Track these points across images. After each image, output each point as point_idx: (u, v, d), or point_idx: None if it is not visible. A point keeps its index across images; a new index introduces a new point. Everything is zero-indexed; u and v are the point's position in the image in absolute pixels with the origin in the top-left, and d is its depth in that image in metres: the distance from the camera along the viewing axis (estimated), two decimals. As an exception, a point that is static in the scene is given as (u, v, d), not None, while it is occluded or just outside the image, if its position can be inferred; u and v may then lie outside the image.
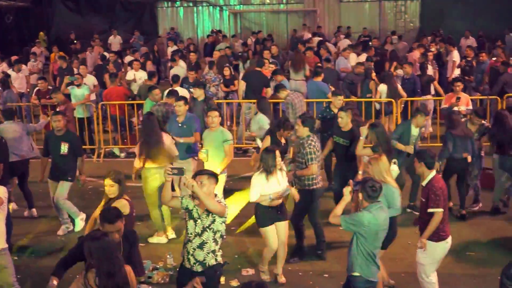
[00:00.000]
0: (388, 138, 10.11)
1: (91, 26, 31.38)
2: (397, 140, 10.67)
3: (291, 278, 8.80)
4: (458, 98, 13.09)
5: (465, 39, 23.96)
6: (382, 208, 6.74)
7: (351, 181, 7.05)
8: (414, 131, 10.80)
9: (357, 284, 6.70)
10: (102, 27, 31.71)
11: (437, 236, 7.50)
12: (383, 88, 14.85)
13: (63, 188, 10.38)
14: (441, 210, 7.39)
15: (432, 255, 7.59)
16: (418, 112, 10.91)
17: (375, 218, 6.56)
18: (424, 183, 7.60)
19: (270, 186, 8.20)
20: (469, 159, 10.65)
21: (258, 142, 10.82)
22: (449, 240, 7.66)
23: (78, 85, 15.29)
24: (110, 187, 7.47)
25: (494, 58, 18.16)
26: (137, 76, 17.42)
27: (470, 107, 13.27)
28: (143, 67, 18.74)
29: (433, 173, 7.58)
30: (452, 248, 9.49)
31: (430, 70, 16.88)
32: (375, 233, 6.61)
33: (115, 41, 27.74)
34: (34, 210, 11.48)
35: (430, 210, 7.42)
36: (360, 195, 6.74)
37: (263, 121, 11.34)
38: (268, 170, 8.18)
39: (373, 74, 15.64)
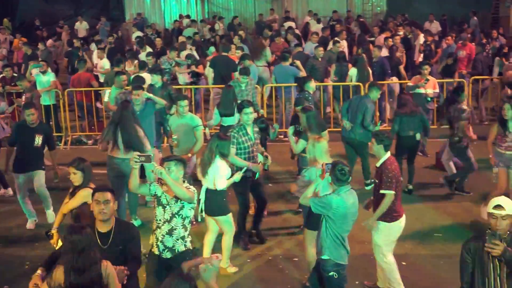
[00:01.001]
0: (321, 121, 10.21)
1: (56, 11, 30.95)
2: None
3: (260, 262, 8.84)
4: (427, 80, 13.20)
5: (430, 23, 24.13)
6: (351, 191, 6.77)
7: (323, 163, 7.09)
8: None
9: (327, 267, 6.74)
10: (68, 13, 31.29)
11: (390, 217, 7.59)
12: (353, 72, 14.91)
13: (40, 177, 10.27)
14: (392, 192, 7.47)
15: (387, 236, 7.67)
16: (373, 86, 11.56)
17: (343, 201, 6.59)
18: (378, 164, 7.67)
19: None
20: (418, 136, 11.13)
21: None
22: (402, 220, 7.76)
23: (44, 72, 15.09)
24: (73, 174, 7.34)
25: (460, 41, 18.33)
26: (100, 65, 17.30)
27: (437, 90, 13.42)
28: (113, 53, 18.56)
29: (387, 154, 7.64)
30: (419, 230, 9.76)
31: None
32: (343, 216, 6.64)
33: (81, 27, 27.40)
34: (10, 189, 11.56)
35: (382, 191, 7.49)
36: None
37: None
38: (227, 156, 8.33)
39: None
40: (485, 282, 5.31)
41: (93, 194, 6.11)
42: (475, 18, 25.73)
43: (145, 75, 13.81)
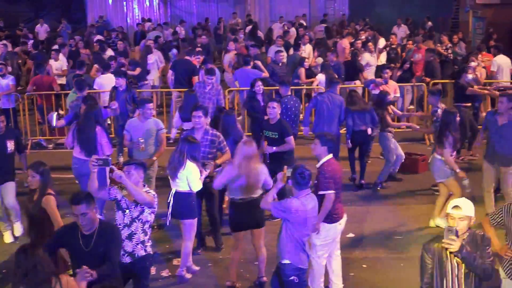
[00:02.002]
0: (237, 127, 10.22)
1: (17, 13, 30.54)
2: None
3: (221, 266, 8.81)
4: (386, 82, 13.34)
5: (398, 27, 24.36)
6: (311, 195, 6.79)
7: (286, 167, 7.09)
8: None
9: (287, 271, 6.74)
10: (29, 15, 30.91)
11: (330, 218, 7.58)
12: (321, 77, 14.99)
13: (13, 188, 9.83)
14: (331, 191, 7.48)
15: (324, 237, 7.63)
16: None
17: (303, 205, 6.60)
18: (318, 165, 7.70)
19: None
20: (369, 131, 11.54)
21: None
22: (342, 221, 7.80)
23: (3, 75, 14.85)
24: (32, 178, 7.25)
25: (414, 45, 18.57)
26: (56, 66, 17.13)
27: (398, 94, 13.54)
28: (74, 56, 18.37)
29: (329, 156, 7.67)
30: (379, 232, 9.81)
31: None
32: (303, 220, 6.63)
33: (42, 29, 27.09)
34: None
35: (320, 192, 7.48)
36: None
37: None
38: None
39: (306, 64, 15.78)
40: (443, 282, 5.41)
41: (70, 205, 5.99)
42: (430, 23, 26.07)
43: (110, 76, 13.69)
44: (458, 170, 9.44)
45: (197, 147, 8.29)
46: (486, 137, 10.19)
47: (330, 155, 7.67)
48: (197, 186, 8.20)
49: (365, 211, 10.74)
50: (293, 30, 23.46)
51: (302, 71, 15.45)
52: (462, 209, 5.35)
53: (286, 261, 6.73)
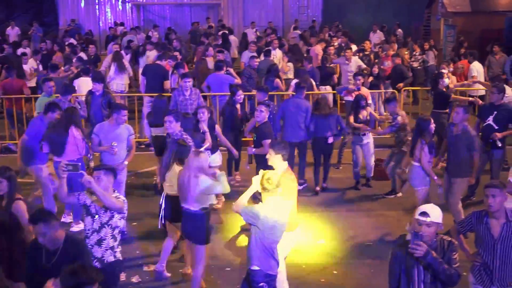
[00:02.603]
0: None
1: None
2: None
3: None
4: (358, 90, 13.41)
5: (373, 34, 24.51)
6: (280, 201, 6.77)
7: (261, 170, 7.08)
8: None
9: (256, 277, 6.71)
10: (-1, 17, 30.64)
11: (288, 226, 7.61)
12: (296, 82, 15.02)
13: None
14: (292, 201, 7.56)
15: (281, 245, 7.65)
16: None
17: (271, 212, 6.59)
18: None
19: None
20: (330, 139, 11.62)
21: None
22: (297, 230, 7.87)
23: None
24: None
25: (384, 53, 18.71)
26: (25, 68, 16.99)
27: (370, 101, 13.60)
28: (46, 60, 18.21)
29: (285, 164, 7.70)
30: (349, 238, 9.85)
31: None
32: (272, 227, 6.60)
33: (12, 32, 26.83)
34: None
35: None
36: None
37: None
38: None
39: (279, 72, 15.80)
40: (410, 287, 5.48)
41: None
42: (400, 30, 26.31)
43: (87, 80, 13.58)
44: (435, 178, 9.47)
45: (186, 151, 8.32)
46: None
47: (286, 163, 7.69)
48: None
49: (335, 217, 10.76)
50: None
51: (278, 82, 15.43)
52: (430, 215, 5.40)
53: (255, 268, 6.70)
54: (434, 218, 5.41)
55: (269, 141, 9.98)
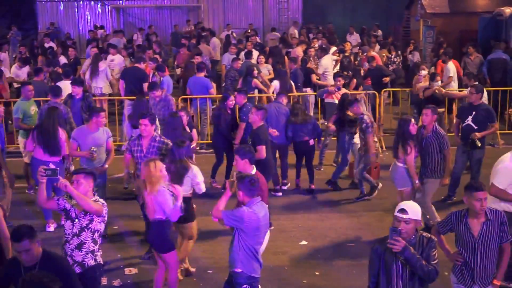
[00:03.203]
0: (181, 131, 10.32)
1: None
2: None
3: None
4: (338, 89, 13.44)
5: (350, 35, 24.59)
6: (261, 203, 6.76)
7: (234, 173, 7.07)
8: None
9: (239, 280, 6.69)
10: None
11: None
12: (276, 83, 15.03)
13: None
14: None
15: None
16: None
17: (255, 214, 6.56)
18: None
19: None
20: (311, 142, 11.86)
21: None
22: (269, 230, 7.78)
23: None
24: None
25: (364, 54, 18.77)
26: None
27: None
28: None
29: (253, 167, 7.72)
30: (331, 239, 9.87)
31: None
32: (256, 229, 6.59)
33: (-10, 36, 26.69)
34: None
35: None
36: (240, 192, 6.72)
37: None
38: None
39: (255, 72, 15.69)
40: (389, 283, 5.58)
41: (11, 241, 5.67)
42: (380, 31, 26.46)
43: (65, 83, 13.49)
44: (416, 181, 9.49)
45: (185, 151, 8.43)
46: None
47: (253, 168, 7.69)
48: (202, 188, 8.50)
49: (317, 218, 10.78)
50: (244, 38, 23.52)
51: (257, 82, 15.42)
52: (408, 212, 5.49)
53: (238, 270, 6.68)
54: (412, 215, 5.50)
55: (263, 147, 10.03)
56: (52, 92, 11.98)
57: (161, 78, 14.91)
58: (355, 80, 15.78)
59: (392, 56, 19.81)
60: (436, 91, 13.65)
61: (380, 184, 11.60)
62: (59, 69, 15.74)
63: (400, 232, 5.40)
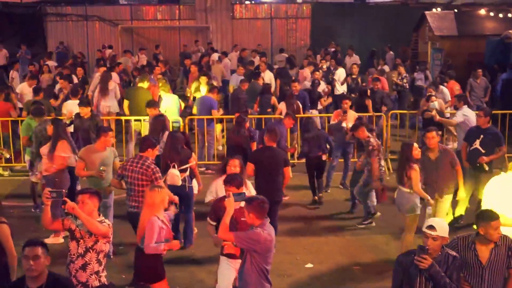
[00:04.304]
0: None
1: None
2: None
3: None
4: (345, 112, 13.40)
5: (349, 57, 24.59)
6: (269, 223, 6.74)
7: (229, 192, 7.03)
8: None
9: None
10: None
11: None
12: (282, 106, 15.09)
13: None
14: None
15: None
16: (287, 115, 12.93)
17: (269, 235, 6.53)
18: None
19: None
20: (324, 157, 12.46)
21: None
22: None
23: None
24: None
25: (370, 76, 18.79)
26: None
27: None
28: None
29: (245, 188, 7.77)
30: (337, 262, 9.81)
31: (322, 86, 17.42)
32: (269, 250, 6.58)
33: (1, 54, 26.82)
34: None
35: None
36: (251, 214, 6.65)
37: None
38: None
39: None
40: None
41: (23, 248, 5.67)
42: (391, 52, 26.50)
43: (74, 103, 13.54)
44: (428, 198, 9.35)
45: None
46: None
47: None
48: None
49: (323, 241, 10.74)
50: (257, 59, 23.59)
51: (275, 100, 15.82)
52: (437, 229, 5.71)
53: None
54: (440, 232, 5.72)
55: (289, 167, 10.23)
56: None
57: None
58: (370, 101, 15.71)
59: (404, 75, 19.64)
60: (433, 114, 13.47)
61: (379, 213, 11.51)
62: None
63: (427, 250, 5.63)
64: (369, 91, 16.47)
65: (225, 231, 6.65)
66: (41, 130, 11.32)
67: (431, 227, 5.73)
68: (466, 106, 12.71)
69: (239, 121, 12.05)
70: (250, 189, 8.45)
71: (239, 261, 7.06)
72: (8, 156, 11.02)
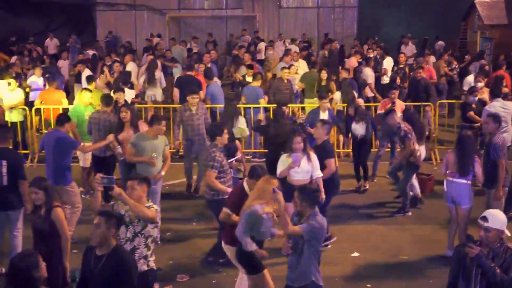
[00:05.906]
0: None
1: (27, 27, 30.63)
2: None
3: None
4: (393, 104, 13.32)
5: (405, 46, 24.28)
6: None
7: (275, 187, 7.12)
8: (322, 115, 12.36)
9: None
10: (38, 29, 31.02)
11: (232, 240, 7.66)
12: (337, 95, 15.08)
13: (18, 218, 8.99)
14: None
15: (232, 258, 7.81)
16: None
17: (323, 218, 6.70)
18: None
19: None
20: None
21: None
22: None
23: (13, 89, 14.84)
24: (34, 194, 7.24)
25: (419, 65, 18.56)
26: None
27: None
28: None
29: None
30: (384, 252, 9.78)
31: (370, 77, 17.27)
32: (322, 237, 6.80)
33: (51, 43, 27.31)
34: None
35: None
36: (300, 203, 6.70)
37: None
38: None
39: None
40: (466, 283, 5.76)
41: None
42: (440, 42, 26.10)
43: (126, 91, 13.69)
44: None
45: None
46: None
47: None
48: None
49: (368, 230, 10.72)
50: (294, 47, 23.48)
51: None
52: (488, 220, 5.64)
53: (313, 280, 6.68)
54: (492, 223, 5.63)
55: (333, 160, 9.85)
56: (103, 101, 12.05)
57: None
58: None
59: (455, 66, 19.37)
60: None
61: (409, 213, 11.40)
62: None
63: (473, 239, 5.64)
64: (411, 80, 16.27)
65: (290, 225, 6.68)
66: (105, 119, 11.40)
67: (483, 218, 5.68)
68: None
69: (277, 113, 12.02)
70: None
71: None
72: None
